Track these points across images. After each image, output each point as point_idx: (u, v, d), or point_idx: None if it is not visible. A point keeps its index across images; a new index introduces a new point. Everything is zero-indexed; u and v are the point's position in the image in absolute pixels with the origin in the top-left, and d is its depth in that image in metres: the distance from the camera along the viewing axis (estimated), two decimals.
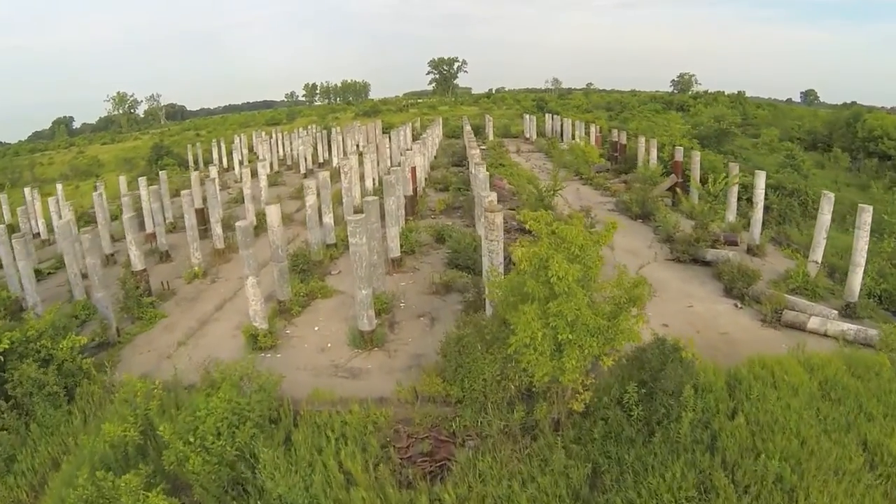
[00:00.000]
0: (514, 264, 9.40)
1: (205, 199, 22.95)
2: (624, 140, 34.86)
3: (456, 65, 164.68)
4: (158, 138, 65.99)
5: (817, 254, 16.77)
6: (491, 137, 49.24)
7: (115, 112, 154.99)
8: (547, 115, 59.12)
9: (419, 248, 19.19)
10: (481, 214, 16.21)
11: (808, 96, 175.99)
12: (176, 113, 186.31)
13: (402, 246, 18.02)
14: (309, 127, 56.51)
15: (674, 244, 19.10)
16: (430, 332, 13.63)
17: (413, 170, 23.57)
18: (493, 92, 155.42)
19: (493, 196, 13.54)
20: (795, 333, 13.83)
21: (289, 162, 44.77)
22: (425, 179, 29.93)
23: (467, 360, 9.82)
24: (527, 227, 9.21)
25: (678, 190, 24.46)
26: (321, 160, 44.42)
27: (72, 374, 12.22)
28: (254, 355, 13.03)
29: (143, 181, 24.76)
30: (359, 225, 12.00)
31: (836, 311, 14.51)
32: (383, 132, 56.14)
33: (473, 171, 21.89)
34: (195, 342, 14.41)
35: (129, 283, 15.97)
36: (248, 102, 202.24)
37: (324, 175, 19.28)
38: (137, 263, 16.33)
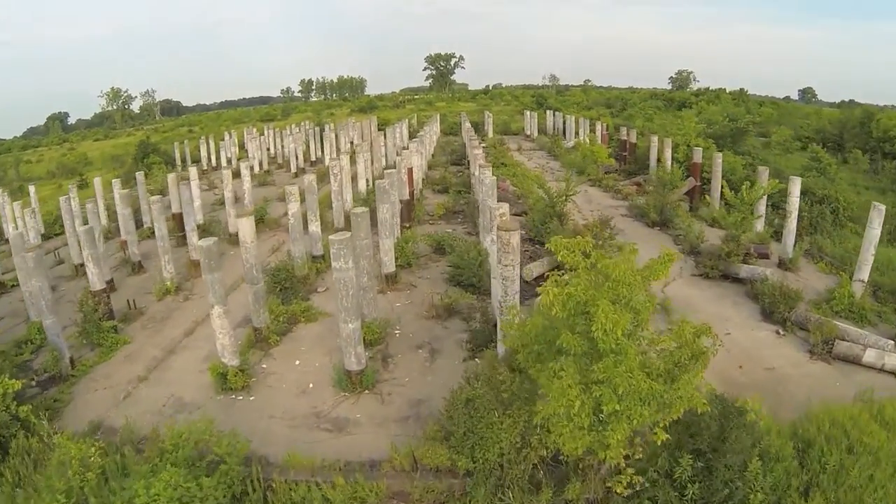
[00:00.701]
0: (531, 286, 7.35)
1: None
2: (634, 139, 32.78)
3: (453, 60, 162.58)
4: (146, 135, 63.04)
5: (864, 272, 14.73)
6: (490, 135, 47.11)
7: (109, 108, 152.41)
8: (548, 111, 56.97)
9: (416, 260, 17.10)
10: (489, 226, 14.17)
11: (806, 94, 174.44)
12: (171, 108, 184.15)
13: (397, 259, 15.94)
14: (302, 123, 54.29)
15: (699, 257, 17.11)
16: (431, 369, 11.55)
17: (410, 171, 21.51)
18: (491, 88, 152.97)
19: (505, 208, 11.46)
20: (849, 368, 11.90)
21: (280, 160, 42.57)
22: (423, 180, 27.85)
23: (479, 426, 7.75)
24: (558, 258, 7.14)
25: (706, 196, 22.40)
26: (313, 158, 42.25)
27: (5, 425, 10.13)
28: (222, 397, 11.04)
29: (116, 183, 22.61)
30: (343, 245, 9.89)
31: (892, 342, 12.51)
32: (379, 129, 54.14)
33: (477, 174, 19.86)
34: (158, 377, 12.32)
35: (87, 304, 13.87)
36: (244, 98, 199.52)
37: (310, 178, 17.17)
38: (96, 282, 14.22)
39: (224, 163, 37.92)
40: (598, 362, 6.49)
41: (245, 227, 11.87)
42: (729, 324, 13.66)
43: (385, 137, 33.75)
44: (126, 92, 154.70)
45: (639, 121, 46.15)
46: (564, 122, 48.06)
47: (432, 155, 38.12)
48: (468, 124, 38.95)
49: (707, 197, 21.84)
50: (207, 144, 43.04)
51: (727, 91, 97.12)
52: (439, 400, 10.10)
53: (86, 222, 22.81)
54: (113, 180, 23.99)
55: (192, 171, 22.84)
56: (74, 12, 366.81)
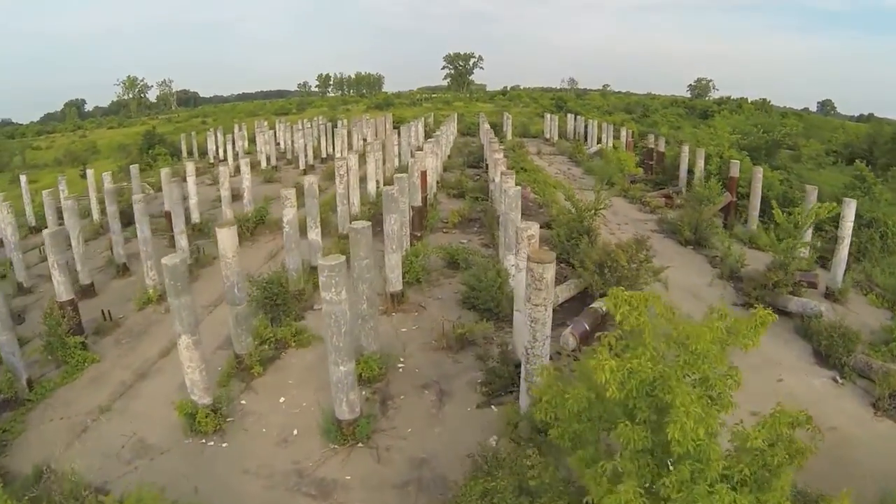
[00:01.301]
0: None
1: (184, 199, 19.49)
2: (662, 147, 30.81)
3: (472, 60, 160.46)
4: (152, 126, 60.98)
5: None
6: (509, 137, 45.22)
7: (125, 96, 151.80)
8: (568, 115, 55.00)
9: (427, 276, 15.29)
10: (511, 245, 12.44)
11: (825, 106, 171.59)
12: (189, 99, 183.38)
13: (405, 276, 14.17)
14: (315, 118, 52.61)
15: (739, 283, 15.34)
16: (438, 418, 9.71)
17: (423, 174, 19.75)
18: (509, 90, 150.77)
19: (535, 229, 9.65)
20: None
21: (290, 156, 40.83)
22: (437, 183, 26.07)
23: None
24: (616, 319, 5.34)
25: (746, 215, 20.51)
26: (324, 155, 40.52)
27: None
28: (191, 441, 9.33)
29: (107, 177, 21.02)
30: (336, 272, 8.07)
31: None
32: (394, 127, 52.42)
33: (498, 181, 18.11)
34: (123, 407, 10.63)
35: (51, 317, 12.17)
36: (261, 91, 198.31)
37: (310, 180, 15.41)
38: (63, 292, 12.53)
39: (229, 157, 36.27)
40: (667, 466, 4.71)
41: (225, 239, 10.12)
42: (780, 368, 11.81)
43: (399, 136, 32.05)
44: (142, 81, 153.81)
45: (664, 128, 44.20)
46: (586, 127, 46.07)
47: (448, 156, 36.35)
48: (487, 126, 37.06)
49: (768, 219, 19.87)
50: (216, 137, 41.31)
51: (749, 101, 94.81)
52: (446, 460, 8.36)
53: (84, 213, 21.10)
54: (103, 174, 22.45)
55: (189, 167, 21.14)
56: (97, 4, 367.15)
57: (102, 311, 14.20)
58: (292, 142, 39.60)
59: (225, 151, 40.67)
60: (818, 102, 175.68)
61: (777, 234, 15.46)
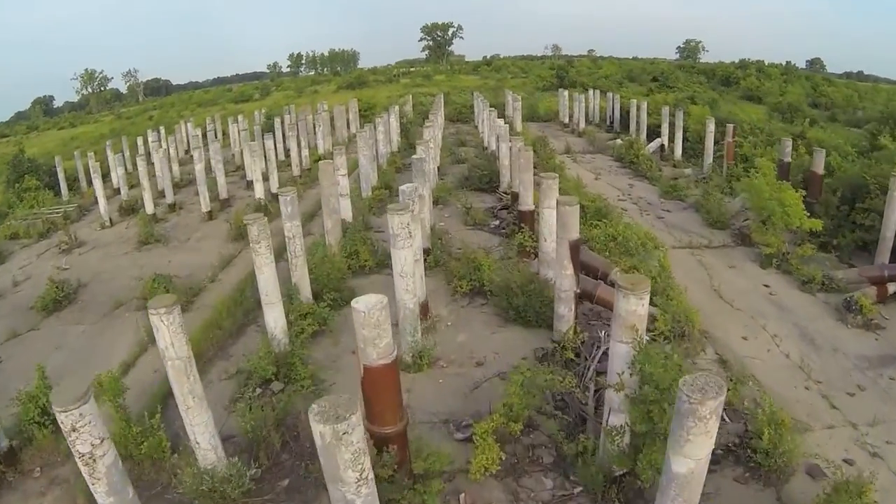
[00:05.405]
0: None
1: None
2: (821, 166, 16.21)
3: (451, 30, 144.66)
4: (20, 148, 41.65)
5: None
6: (519, 126, 30.89)
7: (83, 91, 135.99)
8: (590, 91, 39.77)
9: None
10: None
11: (814, 64, 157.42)
12: (160, 88, 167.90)
13: None
14: (256, 112, 38.09)
15: None
16: None
17: (389, 375, 6.01)
18: (490, 59, 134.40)
19: None
20: None
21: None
22: (425, 257, 12.23)
23: None
24: None
25: None
26: (250, 176, 25.39)
27: None
28: None
29: None
30: None
31: None
32: (361, 114, 38.46)
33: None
34: None
35: None
36: (237, 74, 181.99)
37: None
38: None
39: (101, 193, 21.94)
40: None
41: None
42: None
43: (352, 141, 18.10)
44: (101, 73, 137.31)
45: (735, 109, 29.72)
46: (629, 112, 30.58)
47: (438, 168, 22.28)
48: (501, 124, 22.03)
49: None
50: (104, 159, 26.39)
51: (768, 63, 79.65)
52: None
53: None
54: None
55: None
56: None
57: None
58: (207, 159, 25.09)
59: (130, 174, 26.09)
60: (807, 61, 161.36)
61: None
